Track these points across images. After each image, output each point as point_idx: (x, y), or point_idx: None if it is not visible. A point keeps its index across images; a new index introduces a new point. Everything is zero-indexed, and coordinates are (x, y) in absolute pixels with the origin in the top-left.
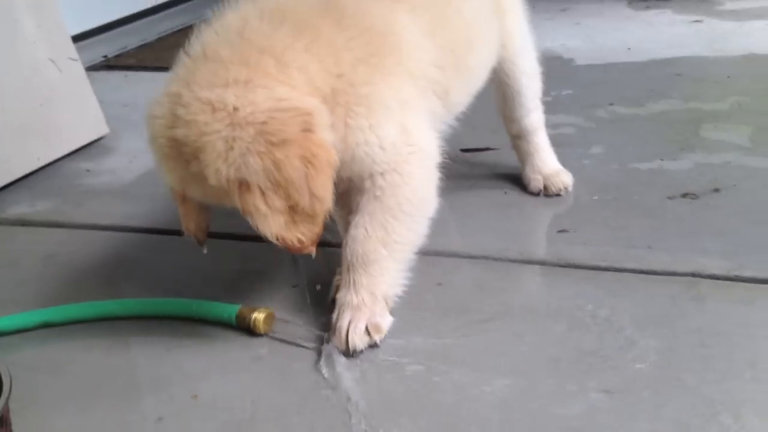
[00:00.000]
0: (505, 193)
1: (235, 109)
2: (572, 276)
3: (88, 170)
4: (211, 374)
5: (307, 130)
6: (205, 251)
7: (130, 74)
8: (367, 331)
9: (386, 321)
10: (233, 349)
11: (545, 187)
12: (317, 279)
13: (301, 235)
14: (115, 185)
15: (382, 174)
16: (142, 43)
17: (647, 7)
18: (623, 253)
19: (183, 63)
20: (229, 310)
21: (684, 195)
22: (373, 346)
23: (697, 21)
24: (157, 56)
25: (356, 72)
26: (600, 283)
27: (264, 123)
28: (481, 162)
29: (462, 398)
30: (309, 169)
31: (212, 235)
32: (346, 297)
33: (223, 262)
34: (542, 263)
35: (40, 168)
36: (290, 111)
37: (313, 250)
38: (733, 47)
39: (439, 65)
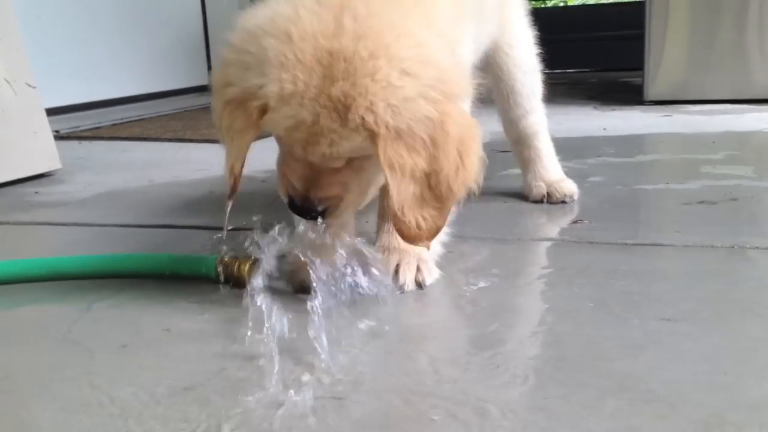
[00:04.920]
0: (505, 202)
1: (424, 44)
2: (598, 249)
3: (36, 192)
4: (186, 314)
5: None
6: (229, 207)
7: (85, 142)
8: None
9: (435, 269)
10: (211, 295)
11: (548, 195)
12: None
13: (423, 220)
14: (68, 200)
15: None
16: (97, 126)
17: (613, 110)
18: (651, 234)
19: None
20: (207, 261)
21: (701, 202)
22: (419, 286)
23: (666, 116)
24: (112, 134)
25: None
26: (632, 252)
27: (444, 71)
28: None
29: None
30: (467, 133)
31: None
32: (392, 241)
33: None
34: (561, 240)
35: None
36: (461, 69)
37: (429, 245)
38: (709, 128)
39: None
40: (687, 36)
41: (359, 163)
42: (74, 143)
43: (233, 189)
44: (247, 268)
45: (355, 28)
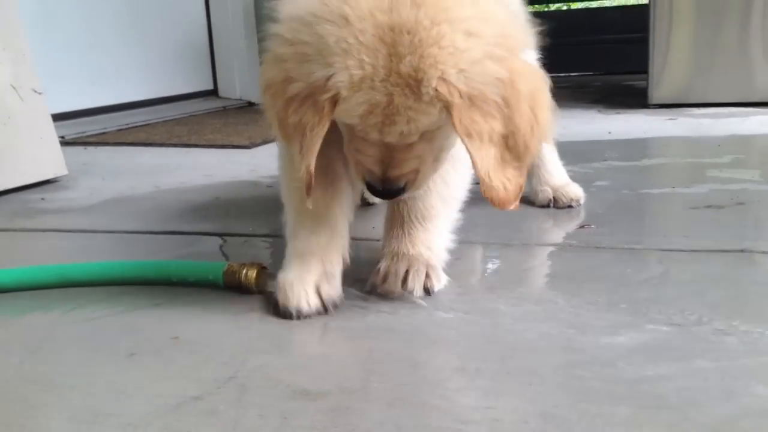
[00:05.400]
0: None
1: (478, 1)
2: (606, 254)
3: (42, 198)
4: (193, 321)
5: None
6: (310, 206)
7: (91, 148)
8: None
9: (443, 275)
10: (218, 302)
11: (555, 199)
12: None
13: (507, 181)
14: (74, 206)
15: None
16: (102, 131)
17: (618, 113)
18: (659, 239)
19: None
20: (215, 268)
21: (708, 206)
22: (426, 293)
23: (671, 119)
24: (117, 139)
25: None
26: (640, 257)
27: (505, 24)
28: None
29: (518, 336)
30: (537, 87)
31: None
32: (401, 247)
33: (196, 256)
34: (568, 245)
35: None
36: (517, 21)
37: (516, 205)
38: (715, 132)
39: None
40: (691, 39)
41: (431, 133)
42: (80, 149)
43: (310, 187)
44: (254, 274)
45: None
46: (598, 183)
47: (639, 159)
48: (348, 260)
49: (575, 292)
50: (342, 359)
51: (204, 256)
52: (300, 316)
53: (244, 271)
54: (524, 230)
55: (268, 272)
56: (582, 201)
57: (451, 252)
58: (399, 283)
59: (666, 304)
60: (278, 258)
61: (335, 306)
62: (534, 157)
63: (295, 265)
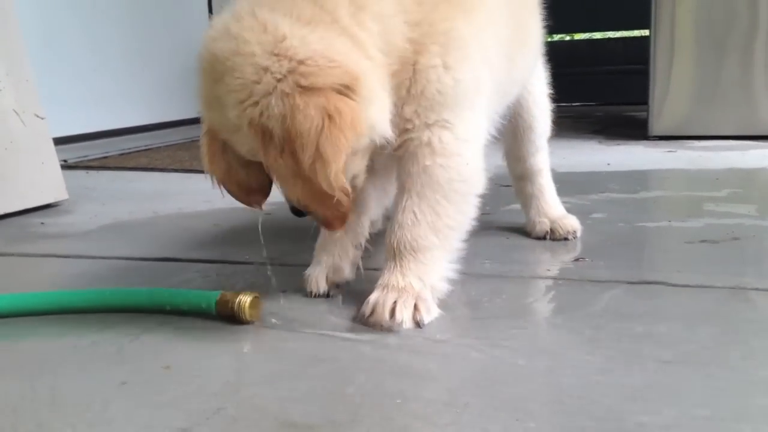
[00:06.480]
0: (507, 238)
1: (284, 38)
2: (599, 287)
3: (42, 222)
4: (186, 351)
5: (345, 92)
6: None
7: (92, 172)
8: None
9: (434, 307)
10: (211, 332)
11: (552, 231)
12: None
13: (327, 209)
14: (73, 231)
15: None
16: (105, 155)
17: (618, 144)
18: (653, 273)
19: None
20: (208, 297)
21: (702, 241)
22: (416, 325)
23: (671, 151)
24: (119, 163)
25: (437, 10)
26: (633, 292)
27: (301, 62)
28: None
29: (512, 371)
30: (325, 123)
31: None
32: (391, 279)
33: (192, 283)
34: (562, 279)
35: None
36: (335, 63)
37: (338, 227)
38: (713, 164)
39: (510, 28)
40: (692, 71)
41: None
42: (81, 173)
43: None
44: (247, 304)
45: (234, 29)
46: (595, 215)
47: (637, 191)
48: (362, 248)
49: (567, 326)
50: (331, 392)
51: (199, 284)
52: (313, 295)
53: (237, 301)
54: (520, 262)
55: (261, 302)
56: (579, 233)
57: (451, 282)
58: (387, 315)
59: (656, 340)
60: (274, 286)
61: (338, 286)
62: (335, 190)
63: (314, 260)
